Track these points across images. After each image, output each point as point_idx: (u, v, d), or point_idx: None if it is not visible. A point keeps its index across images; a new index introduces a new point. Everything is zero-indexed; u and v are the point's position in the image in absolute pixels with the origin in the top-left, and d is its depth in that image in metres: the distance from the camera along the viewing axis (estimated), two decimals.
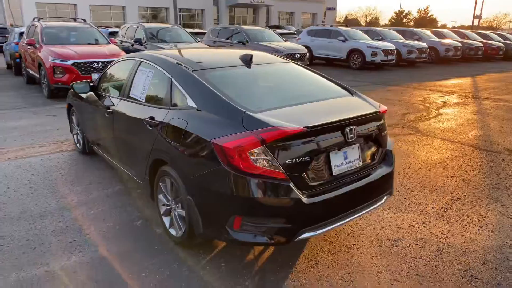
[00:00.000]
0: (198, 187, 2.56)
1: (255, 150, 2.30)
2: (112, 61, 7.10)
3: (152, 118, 3.01)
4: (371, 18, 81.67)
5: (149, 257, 2.82)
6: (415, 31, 19.27)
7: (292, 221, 2.41)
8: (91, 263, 2.75)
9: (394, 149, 3.14)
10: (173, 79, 2.99)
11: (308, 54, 12.52)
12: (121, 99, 3.62)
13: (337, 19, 68.56)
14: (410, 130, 6.34)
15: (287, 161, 2.36)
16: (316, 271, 2.69)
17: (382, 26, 45.50)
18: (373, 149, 2.88)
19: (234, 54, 3.55)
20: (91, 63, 8.32)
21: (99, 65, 8.35)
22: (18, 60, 11.58)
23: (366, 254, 2.89)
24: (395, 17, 75.75)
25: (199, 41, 12.25)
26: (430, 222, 3.37)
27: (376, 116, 2.86)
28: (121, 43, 12.17)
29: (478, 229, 3.25)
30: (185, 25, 37.13)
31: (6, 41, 14.72)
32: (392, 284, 2.57)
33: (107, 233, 3.15)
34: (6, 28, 23.10)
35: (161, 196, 3.05)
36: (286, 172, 2.36)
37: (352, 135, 2.60)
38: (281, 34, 19.31)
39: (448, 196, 3.89)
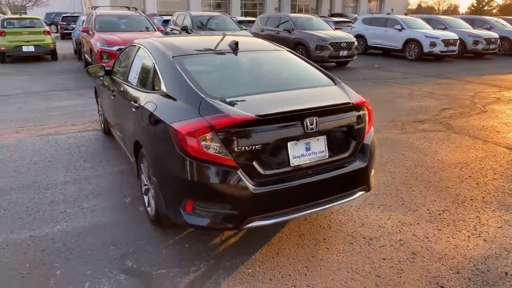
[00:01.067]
0: (160, 169, 2.66)
1: (206, 136, 2.34)
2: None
3: (135, 101, 3.16)
4: (446, 6, 75.71)
5: (123, 232, 3.00)
6: (486, 19, 17.57)
7: (240, 208, 2.42)
8: (71, 233, 3.00)
9: (374, 143, 2.98)
10: (155, 64, 3.11)
11: (356, 43, 12.02)
12: (123, 83, 3.83)
13: (409, 7, 64.51)
14: (441, 127, 5.89)
15: (236, 149, 2.36)
16: (274, 261, 2.67)
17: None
18: (346, 142, 2.76)
19: (227, 41, 3.57)
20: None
21: None
22: (80, 46, 12.60)
23: (333, 250, 2.80)
24: (475, 5, 69.38)
25: (244, 30, 12.34)
26: (418, 224, 3.16)
27: (348, 108, 2.73)
28: (171, 30, 12.68)
29: (469, 236, 2.98)
30: (248, 14, 37.46)
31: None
32: (345, 283, 2.48)
33: (96, 206, 3.39)
34: (78, 16, 25.18)
35: (142, 177, 3.21)
36: (236, 159, 2.37)
37: (313, 126, 2.52)
38: (336, 23, 18.83)
39: (451, 198, 3.59)
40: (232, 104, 2.49)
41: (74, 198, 3.54)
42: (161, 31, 10.52)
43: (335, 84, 3.07)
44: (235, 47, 3.23)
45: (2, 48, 12.26)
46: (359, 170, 2.78)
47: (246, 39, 3.87)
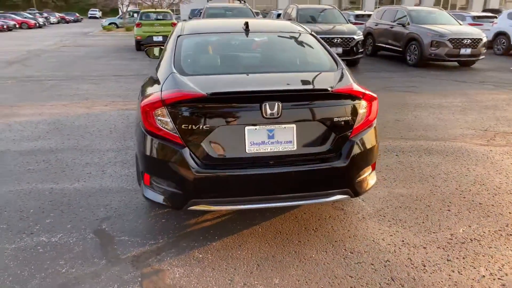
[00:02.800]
0: (135, 142, 2.76)
1: (158, 111, 2.33)
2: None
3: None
4: None
5: (120, 199, 3.22)
6: None
7: (183, 188, 2.34)
8: (80, 191, 3.35)
9: (370, 142, 2.52)
10: (166, 44, 3.22)
11: (485, 40, 10.18)
12: None
13: None
14: None
15: (184, 126, 2.28)
16: (230, 252, 2.52)
17: None
18: (324, 135, 2.41)
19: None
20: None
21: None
22: None
23: (300, 256, 2.50)
24: None
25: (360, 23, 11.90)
26: (424, 248, 2.57)
27: (328, 96, 2.37)
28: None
29: (483, 276, 2.30)
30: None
31: None
32: None
33: (116, 173, 3.71)
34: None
35: None
36: (183, 137, 2.30)
37: (273, 112, 2.26)
38: (475, 18, 16.32)
39: (495, 227, 2.81)
40: (196, 81, 2.42)
41: (104, 163, 3.94)
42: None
43: (337, 69, 2.70)
44: (245, 28, 3.11)
45: (138, 38, 14.24)
46: (336, 169, 2.40)
47: (268, 22, 3.71)
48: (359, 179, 2.50)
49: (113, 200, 3.20)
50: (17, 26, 32.50)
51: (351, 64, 10.76)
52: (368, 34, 13.15)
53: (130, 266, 2.39)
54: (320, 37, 9.66)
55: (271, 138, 2.33)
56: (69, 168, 3.83)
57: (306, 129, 2.37)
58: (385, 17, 12.54)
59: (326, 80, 2.54)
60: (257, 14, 22.64)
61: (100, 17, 55.34)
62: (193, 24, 3.43)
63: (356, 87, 2.47)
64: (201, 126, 2.28)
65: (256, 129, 2.30)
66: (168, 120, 2.30)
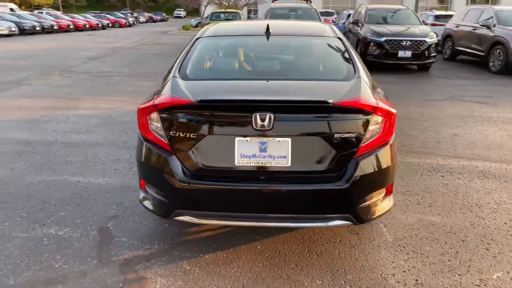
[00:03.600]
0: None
1: (152, 115, 2.28)
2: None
3: None
4: None
5: (135, 198, 3.25)
6: None
7: (169, 197, 2.26)
8: (102, 187, 3.47)
9: (381, 164, 2.20)
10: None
11: None
12: None
13: None
14: None
15: (173, 133, 2.20)
16: (218, 269, 2.38)
17: None
18: (325, 152, 2.16)
19: (274, 25, 3.29)
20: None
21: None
22: None
23: (292, 281, 2.27)
24: None
25: (426, 24, 10.90)
26: (437, 284, 2.19)
27: (328, 108, 2.11)
28: (348, 24, 12.32)
29: None
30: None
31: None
32: None
33: (131, 172, 3.72)
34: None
35: None
36: (171, 144, 2.22)
37: (264, 124, 2.07)
38: None
39: None
40: (193, 86, 2.34)
41: (133, 160, 4.04)
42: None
43: (353, 78, 2.42)
44: (266, 31, 2.94)
45: None
46: (335, 191, 2.14)
47: (298, 24, 3.50)
48: (364, 204, 2.20)
49: (128, 198, 3.25)
50: (110, 25, 35.71)
51: (422, 69, 9.91)
52: (447, 37, 12.03)
53: (117, 270, 2.38)
54: (387, 40, 9.21)
55: (263, 152, 2.14)
56: (101, 162, 3.99)
57: (303, 144, 2.14)
58: (468, 18, 11.32)
59: (333, 91, 2.27)
60: (330, 14, 22.38)
61: (184, 17, 58.57)
62: (217, 26, 3.34)
63: (366, 99, 2.16)
64: (189, 134, 2.17)
65: (247, 140, 2.14)
66: (159, 125, 2.24)
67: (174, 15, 62.58)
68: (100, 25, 32.86)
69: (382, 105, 2.18)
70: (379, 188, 2.27)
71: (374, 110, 2.14)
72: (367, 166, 2.16)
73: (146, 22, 49.82)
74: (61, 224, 2.86)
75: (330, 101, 2.07)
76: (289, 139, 2.12)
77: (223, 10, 17.23)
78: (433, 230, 2.79)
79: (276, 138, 2.12)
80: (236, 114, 2.14)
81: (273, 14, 10.46)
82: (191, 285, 2.24)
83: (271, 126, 2.07)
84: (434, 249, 2.58)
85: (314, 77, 2.55)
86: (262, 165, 2.15)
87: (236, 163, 2.16)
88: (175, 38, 21.55)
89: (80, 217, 2.97)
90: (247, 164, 2.16)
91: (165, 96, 2.25)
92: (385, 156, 2.23)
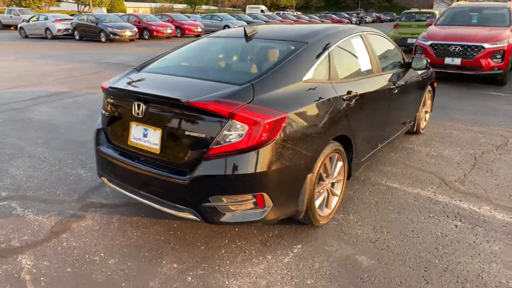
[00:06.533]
0: None
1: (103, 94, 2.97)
2: (478, 46, 7.51)
3: None
4: None
5: None
6: None
7: (97, 163, 2.92)
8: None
9: (233, 167, 2.19)
10: None
11: None
12: None
13: None
14: None
15: (103, 111, 2.85)
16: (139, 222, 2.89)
17: None
18: (182, 146, 2.36)
19: (262, 28, 3.40)
20: (449, 45, 7.80)
21: (458, 48, 7.68)
22: None
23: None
24: None
25: None
26: None
27: (185, 107, 2.26)
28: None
29: None
30: None
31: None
32: None
33: None
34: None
35: None
36: (101, 120, 2.86)
37: (138, 112, 2.46)
38: None
39: None
40: (129, 76, 2.86)
41: None
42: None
43: (244, 85, 2.43)
44: (244, 34, 3.16)
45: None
46: (180, 185, 2.31)
47: (288, 27, 3.43)
48: (209, 204, 2.29)
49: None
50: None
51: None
52: None
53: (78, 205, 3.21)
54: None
55: (145, 137, 2.52)
56: None
57: (169, 136, 2.40)
58: None
59: (204, 91, 2.37)
60: None
61: None
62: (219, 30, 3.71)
63: (223, 104, 2.20)
64: (106, 113, 2.77)
65: (137, 125, 2.57)
66: (102, 104, 2.92)
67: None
68: None
69: (245, 112, 2.19)
70: (232, 193, 2.27)
71: (231, 115, 2.18)
72: (214, 168, 2.23)
73: (373, 22, 49.73)
74: (55, 187, 3.91)
75: (183, 100, 2.26)
76: (160, 130, 2.43)
77: (417, 10, 15.71)
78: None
79: (152, 127, 2.47)
80: (126, 101, 2.59)
81: (451, 16, 9.11)
82: (116, 221, 2.85)
83: (143, 115, 2.44)
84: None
85: (219, 78, 2.63)
86: (142, 148, 2.54)
87: (129, 143, 2.63)
88: None
89: (64, 187, 3.89)
90: (134, 146, 2.59)
91: (105, 82, 2.90)
92: (245, 162, 2.22)
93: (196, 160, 2.28)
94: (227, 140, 2.20)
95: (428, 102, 5.06)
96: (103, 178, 2.85)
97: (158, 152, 2.43)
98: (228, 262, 2.49)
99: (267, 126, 2.21)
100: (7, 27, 29.95)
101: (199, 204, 2.29)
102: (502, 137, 4.94)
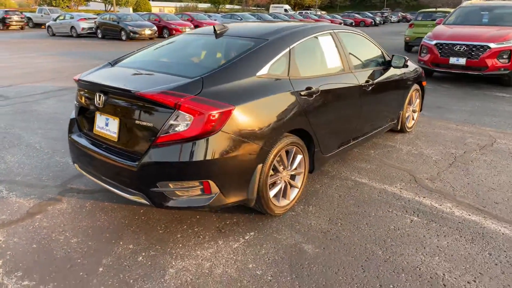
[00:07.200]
0: None
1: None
2: (483, 46, 7.31)
3: None
4: None
5: None
6: None
7: (70, 150, 3.13)
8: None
9: (177, 155, 2.35)
10: None
11: None
12: None
13: None
14: None
15: (76, 102, 3.07)
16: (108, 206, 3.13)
17: None
18: (135, 135, 2.54)
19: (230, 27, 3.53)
20: (454, 45, 7.68)
21: (463, 48, 7.56)
22: None
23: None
24: None
25: None
26: None
27: (136, 98, 2.43)
28: None
29: None
30: None
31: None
32: None
33: None
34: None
35: None
36: (76, 110, 3.08)
37: (99, 102, 2.66)
38: None
39: None
40: (101, 69, 3.06)
41: None
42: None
43: (194, 78, 2.58)
44: (213, 32, 3.31)
45: (407, 39, 13.70)
46: (131, 171, 2.49)
47: (257, 25, 3.54)
48: (157, 189, 2.45)
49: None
50: (353, 24, 37.27)
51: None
52: None
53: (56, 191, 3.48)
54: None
55: (107, 126, 2.72)
56: None
57: (125, 125, 2.58)
58: None
59: (157, 83, 2.53)
60: None
61: None
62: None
63: (169, 95, 2.35)
64: (78, 104, 2.98)
65: (100, 115, 2.77)
66: (75, 95, 3.14)
67: None
68: (343, 24, 34.87)
69: (190, 104, 2.34)
70: (178, 179, 2.42)
71: (177, 106, 2.34)
72: (161, 155, 2.38)
73: (398, 21, 48.81)
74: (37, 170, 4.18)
75: (133, 91, 2.43)
76: (118, 119, 2.62)
77: (433, 9, 15.34)
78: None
79: (112, 117, 2.66)
80: (92, 92, 2.79)
81: (462, 14, 8.94)
82: (89, 205, 3.09)
83: (103, 105, 2.64)
84: None
85: (177, 72, 2.75)
86: (105, 136, 2.73)
87: (94, 131, 2.83)
88: (386, 39, 20.55)
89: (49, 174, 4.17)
90: (99, 134, 2.79)
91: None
92: (190, 151, 2.36)
93: (146, 147, 2.45)
94: (173, 129, 2.35)
95: (417, 101, 5.05)
96: (75, 165, 3.06)
97: (116, 140, 2.62)
98: (180, 245, 2.65)
99: (211, 117, 2.34)
100: (38, 25, 31.26)
101: (148, 189, 2.45)
102: (490, 137, 4.88)
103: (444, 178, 3.70)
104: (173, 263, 2.46)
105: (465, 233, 2.78)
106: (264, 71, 2.78)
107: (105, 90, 2.63)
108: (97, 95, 2.66)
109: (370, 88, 3.76)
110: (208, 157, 2.37)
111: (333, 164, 4.01)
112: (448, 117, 5.83)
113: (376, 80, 3.87)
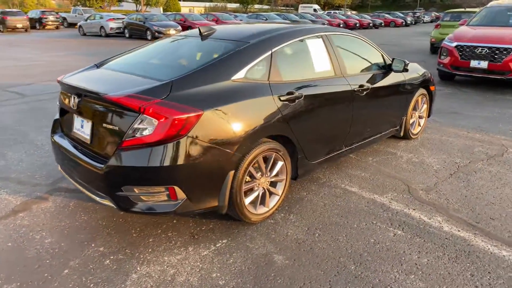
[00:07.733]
0: None
1: None
2: (507, 48, 7.01)
3: None
4: None
5: None
6: None
7: (53, 151, 3.17)
8: None
9: (142, 160, 2.33)
10: None
11: None
12: None
13: None
14: None
15: (58, 104, 3.11)
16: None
17: None
18: (104, 137, 2.54)
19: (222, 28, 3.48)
20: (475, 47, 7.31)
21: (484, 51, 7.18)
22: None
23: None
24: None
25: None
26: None
27: (104, 100, 2.43)
28: None
29: None
30: None
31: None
32: None
33: None
34: None
35: None
36: (59, 112, 3.13)
37: (73, 104, 2.68)
38: None
39: None
40: (83, 71, 3.10)
41: None
42: None
43: (164, 81, 2.55)
44: (199, 33, 3.27)
45: (432, 40, 13.18)
46: (97, 174, 2.49)
47: (245, 27, 3.47)
48: (122, 194, 2.44)
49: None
50: (383, 24, 36.34)
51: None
52: None
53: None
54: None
55: (82, 128, 2.74)
56: None
57: (97, 128, 2.59)
58: None
59: (126, 86, 2.51)
60: None
61: None
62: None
63: (134, 99, 2.33)
64: (59, 105, 3.03)
65: (77, 117, 2.80)
66: (58, 96, 3.18)
67: None
68: (371, 24, 34.10)
69: (155, 108, 2.31)
70: (143, 184, 2.40)
71: (142, 110, 2.31)
72: (125, 159, 2.35)
73: (431, 21, 47.25)
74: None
75: (101, 94, 2.43)
76: (91, 121, 2.63)
77: (461, 9, 14.65)
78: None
79: (86, 119, 2.68)
80: (69, 94, 2.81)
81: (487, 15, 8.50)
82: (72, 205, 3.21)
83: (76, 107, 2.66)
84: None
85: (151, 75, 2.72)
86: (80, 138, 2.76)
87: (72, 133, 2.86)
88: (407, 39, 19.81)
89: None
90: (76, 136, 2.81)
91: None
92: (154, 156, 2.33)
93: (112, 151, 2.44)
94: (138, 133, 2.33)
95: (424, 106, 4.83)
96: (58, 166, 3.11)
97: (89, 142, 2.63)
98: (150, 250, 2.63)
99: (176, 121, 2.30)
100: (72, 25, 32.45)
101: (113, 193, 2.44)
102: (502, 147, 4.59)
103: (440, 190, 3.50)
104: (138, 269, 2.44)
105: (449, 251, 2.61)
106: (240, 75, 2.71)
107: (79, 92, 2.65)
108: (72, 97, 2.68)
109: (365, 93, 3.60)
110: (173, 163, 2.33)
111: (325, 170, 3.88)
112: (461, 124, 5.54)
113: (372, 85, 3.71)
